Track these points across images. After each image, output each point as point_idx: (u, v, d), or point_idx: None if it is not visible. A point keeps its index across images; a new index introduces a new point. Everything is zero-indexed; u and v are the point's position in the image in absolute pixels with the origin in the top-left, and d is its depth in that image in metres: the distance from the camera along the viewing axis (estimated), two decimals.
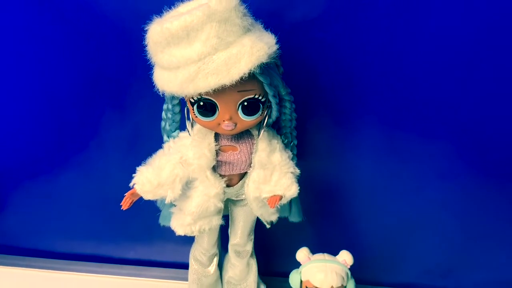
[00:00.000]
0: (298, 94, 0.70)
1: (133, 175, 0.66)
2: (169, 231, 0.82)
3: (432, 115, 0.82)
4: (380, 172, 0.87)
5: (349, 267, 0.78)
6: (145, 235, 1.00)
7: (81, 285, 0.97)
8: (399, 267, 0.96)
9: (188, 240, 0.83)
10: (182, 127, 0.70)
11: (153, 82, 0.62)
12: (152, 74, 0.63)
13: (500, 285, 0.94)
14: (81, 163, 0.94)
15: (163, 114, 0.71)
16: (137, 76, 0.80)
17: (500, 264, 0.93)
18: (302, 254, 0.79)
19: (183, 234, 0.70)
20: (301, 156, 0.78)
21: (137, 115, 0.86)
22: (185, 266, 0.86)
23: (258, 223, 0.79)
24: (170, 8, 0.60)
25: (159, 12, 0.60)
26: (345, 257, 0.78)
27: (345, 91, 0.81)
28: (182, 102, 0.68)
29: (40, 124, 0.91)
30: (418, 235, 0.92)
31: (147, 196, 0.65)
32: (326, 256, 0.79)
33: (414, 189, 0.88)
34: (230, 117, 0.60)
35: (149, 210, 0.81)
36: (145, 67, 0.63)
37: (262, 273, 0.87)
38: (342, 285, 0.76)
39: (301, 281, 0.79)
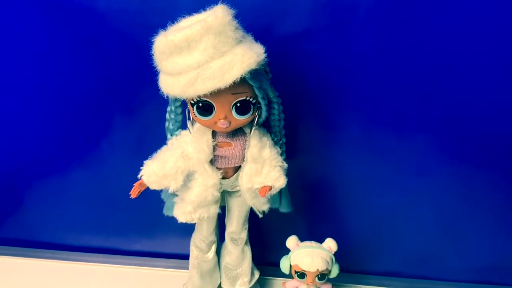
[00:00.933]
0: (286, 97, 0.76)
1: (141, 167, 0.72)
2: (172, 226, 0.87)
3: (409, 117, 0.85)
4: (362, 168, 0.91)
5: (333, 253, 0.84)
6: (150, 229, 1.04)
7: (92, 274, 1.01)
8: (381, 256, 1.00)
9: (188, 233, 0.89)
10: (183, 126, 0.76)
11: (158, 87, 0.68)
12: (157, 80, 0.69)
13: (474, 272, 0.99)
14: (93, 162, 0.97)
15: (167, 115, 0.77)
16: (144, 82, 0.84)
17: (473, 253, 0.97)
18: (292, 241, 0.86)
19: (184, 221, 0.76)
20: (290, 154, 0.83)
21: (144, 117, 0.91)
22: (186, 256, 0.90)
23: (253, 217, 0.85)
24: (173, 22, 0.66)
25: (164, 26, 0.66)
26: (330, 244, 0.84)
27: (329, 95, 0.85)
28: (183, 104, 0.74)
29: (55, 126, 0.95)
30: (398, 226, 0.96)
31: (152, 186, 0.72)
32: (313, 243, 0.85)
33: (394, 184, 0.92)
34: (225, 116, 0.67)
35: (153, 207, 0.88)
36: (151, 74, 0.69)
37: (256, 263, 0.92)
38: (327, 268, 0.83)
39: (290, 266, 0.85)
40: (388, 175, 0.92)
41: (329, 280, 0.88)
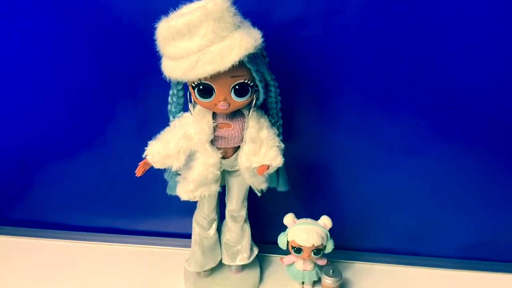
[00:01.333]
0: (283, 80, 0.78)
1: (145, 148, 0.74)
2: (174, 206, 0.92)
3: (401, 97, 0.88)
4: (356, 148, 0.93)
5: (328, 229, 0.88)
6: (154, 209, 1.07)
7: (96, 253, 1.04)
8: (374, 233, 1.03)
9: (190, 214, 0.91)
10: (185, 109, 0.78)
11: (161, 71, 0.70)
12: (160, 64, 0.71)
13: (464, 248, 1.02)
14: (98, 144, 0.99)
15: (169, 98, 0.79)
16: (147, 67, 0.84)
17: (464, 230, 1.00)
18: (289, 218, 0.89)
19: (186, 199, 0.79)
20: (287, 135, 0.86)
21: (147, 101, 0.92)
22: (188, 235, 0.93)
23: (252, 196, 0.87)
24: (175, 9, 0.68)
25: (166, 12, 0.68)
26: (325, 221, 0.88)
27: (323, 78, 0.87)
28: (185, 87, 0.76)
29: (62, 111, 0.97)
30: (390, 204, 0.99)
31: (156, 165, 0.74)
32: (308, 220, 0.88)
33: (386, 163, 0.95)
34: (224, 98, 0.69)
35: (157, 188, 0.91)
36: (154, 59, 0.70)
37: (255, 240, 0.95)
38: (322, 244, 0.86)
39: (287, 241, 0.89)
40: (381, 155, 0.95)
41: (324, 256, 0.91)
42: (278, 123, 0.82)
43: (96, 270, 0.99)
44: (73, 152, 1.02)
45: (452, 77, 0.85)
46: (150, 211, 1.08)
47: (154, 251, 1.05)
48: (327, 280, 0.89)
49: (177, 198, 0.80)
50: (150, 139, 0.75)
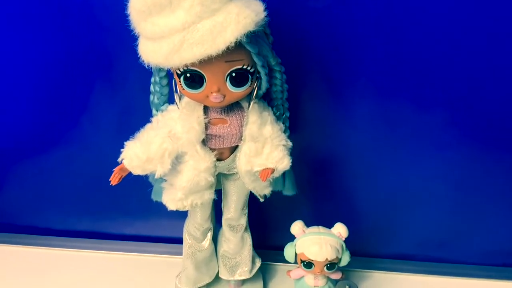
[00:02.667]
0: (289, 64, 0.68)
1: (121, 150, 0.64)
2: (165, 207, 0.82)
3: (426, 84, 0.80)
4: (374, 144, 0.86)
5: (343, 239, 0.78)
6: (140, 210, 0.99)
7: (78, 261, 0.97)
8: (394, 238, 0.96)
9: (184, 215, 0.82)
10: (171, 100, 0.68)
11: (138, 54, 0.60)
12: (137, 46, 0.60)
13: (493, 254, 0.95)
14: (74, 139, 0.92)
15: (151, 87, 0.68)
16: (125, 50, 0.75)
17: (493, 234, 0.93)
18: (297, 227, 0.79)
19: (175, 209, 0.69)
20: (294, 129, 0.76)
21: (127, 89, 0.85)
22: (180, 241, 0.85)
23: (252, 196, 0.78)
24: None
25: None
26: (340, 230, 0.78)
27: (338, 62, 0.79)
28: (169, 74, 0.66)
29: (32, 102, 0.90)
30: (412, 206, 0.92)
31: (136, 171, 0.64)
32: (320, 228, 0.79)
33: (408, 161, 0.87)
34: (218, 88, 0.58)
35: (145, 186, 0.80)
36: (133, 39, 0.60)
37: (257, 247, 0.87)
38: (336, 257, 0.76)
39: (295, 254, 0.79)
40: (401, 151, 0.87)
41: (339, 269, 0.81)
42: (284, 116, 0.71)
43: (76, 280, 0.92)
44: (47, 149, 0.95)
45: (487, 72, 0.78)
46: (137, 213, 1.00)
47: (142, 259, 0.97)
48: None
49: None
50: (132, 131, 0.66)
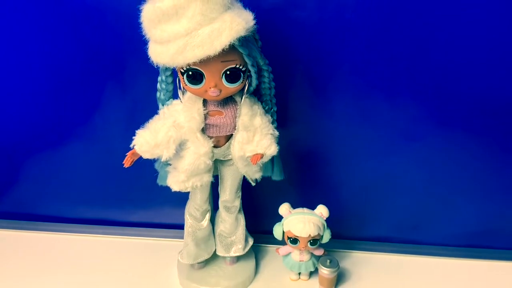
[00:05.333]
0: (276, 65, 0.76)
1: (133, 137, 0.72)
2: (167, 197, 0.89)
3: (399, 82, 0.86)
4: (353, 135, 0.92)
5: (325, 218, 0.86)
6: (146, 200, 1.05)
7: (88, 246, 1.02)
8: (372, 222, 1.02)
9: (183, 204, 0.90)
10: (175, 96, 0.76)
11: (148, 57, 0.67)
12: (147, 49, 0.68)
13: (464, 236, 1.01)
14: (86, 134, 0.98)
15: (158, 85, 0.77)
16: (134, 52, 0.84)
17: (464, 217, 0.99)
18: (284, 208, 0.87)
19: (178, 190, 0.77)
20: (282, 122, 0.84)
21: (135, 88, 0.91)
22: (181, 226, 0.91)
23: (245, 186, 0.86)
24: None
25: None
26: (322, 210, 0.86)
27: (319, 63, 0.85)
28: (174, 73, 0.74)
29: (47, 99, 0.95)
30: (389, 192, 0.98)
31: (145, 155, 0.72)
32: (305, 210, 0.87)
33: (384, 151, 0.93)
34: (215, 84, 0.67)
35: (148, 178, 0.88)
36: (141, 44, 0.68)
37: (250, 231, 0.94)
38: (318, 234, 0.85)
39: (283, 232, 0.87)
40: (378, 142, 0.93)
41: (321, 246, 0.90)
42: (272, 110, 0.80)
43: (87, 263, 0.97)
44: (61, 143, 1.01)
45: (454, 63, 0.84)
46: (141, 202, 1.07)
47: (146, 243, 1.04)
48: (324, 271, 0.87)
49: (168, 188, 0.78)
50: (138, 126, 0.74)
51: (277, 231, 0.88)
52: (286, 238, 0.87)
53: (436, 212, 0.99)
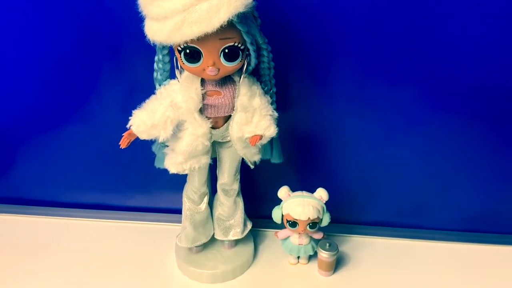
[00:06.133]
0: (276, 45, 0.75)
1: (130, 117, 0.71)
2: (165, 181, 0.92)
3: (398, 66, 0.86)
4: (353, 119, 0.92)
5: (324, 202, 0.86)
6: (143, 184, 1.05)
7: (85, 230, 1.02)
8: (372, 206, 1.02)
9: (181, 188, 0.89)
10: (172, 76, 0.75)
11: (145, 37, 0.66)
12: (143, 27, 0.67)
13: (465, 220, 1.01)
14: (83, 117, 0.97)
15: (155, 65, 0.75)
16: (131, 32, 0.83)
17: (464, 201, 0.99)
18: (283, 191, 0.87)
19: (175, 172, 0.76)
20: (281, 104, 0.83)
21: (132, 68, 0.90)
22: (179, 211, 0.90)
23: (244, 169, 0.85)
24: None
25: None
26: (321, 194, 0.86)
27: (320, 43, 0.84)
28: (171, 52, 0.73)
29: (43, 83, 0.94)
30: (389, 176, 0.97)
31: (142, 136, 0.71)
32: (304, 193, 0.86)
33: (384, 134, 0.93)
34: (213, 62, 0.66)
35: (146, 162, 0.89)
36: (138, 23, 0.67)
37: (249, 215, 0.94)
38: (318, 217, 0.84)
39: (282, 215, 0.86)
40: (380, 125, 0.93)
41: (321, 229, 0.89)
42: (271, 91, 0.79)
43: (84, 247, 0.97)
44: (57, 126, 1.00)
45: (454, 47, 0.84)
46: (139, 186, 1.07)
47: (144, 227, 1.04)
48: (323, 254, 0.87)
49: (166, 171, 0.77)
50: (135, 107, 0.73)
51: (276, 214, 0.87)
52: (285, 222, 0.87)
53: (437, 196, 0.99)
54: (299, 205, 0.84)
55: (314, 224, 0.85)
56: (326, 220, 0.86)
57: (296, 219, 0.84)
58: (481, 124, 0.91)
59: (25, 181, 1.09)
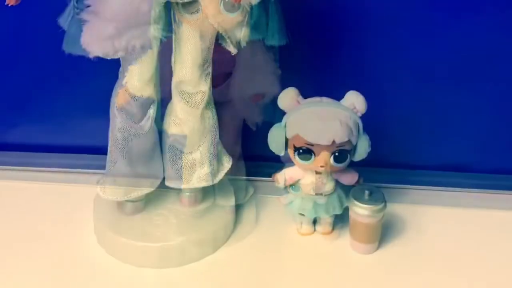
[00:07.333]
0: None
1: None
2: (78, 94, 1.06)
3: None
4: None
5: (360, 115, 0.82)
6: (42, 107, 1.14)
7: None
8: (437, 140, 1.08)
9: (103, 115, 0.88)
10: None
11: None
12: None
13: None
14: None
15: None
16: None
17: None
18: (288, 96, 0.83)
19: (101, 55, 0.75)
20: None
21: None
22: (102, 149, 0.91)
23: (245, 129, 0.99)
24: None
25: None
26: (354, 100, 0.82)
27: None
28: None
29: None
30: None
31: None
32: (324, 99, 0.83)
33: None
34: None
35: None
36: None
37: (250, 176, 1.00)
38: (349, 140, 0.80)
39: (286, 140, 0.82)
40: None
41: (354, 167, 0.86)
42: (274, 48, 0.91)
43: None
44: None
45: None
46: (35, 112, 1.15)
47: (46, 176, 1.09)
48: (361, 211, 0.84)
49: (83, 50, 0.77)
50: None
51: (277, 138, 0.83)
52: (291, 152, 0.83)
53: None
54: (315, 118, 0.79)
55: (342, 154, 0.80)
56: (363, 148, 0.82)
57: (312, 144, 0.79)
58: None
59: None
